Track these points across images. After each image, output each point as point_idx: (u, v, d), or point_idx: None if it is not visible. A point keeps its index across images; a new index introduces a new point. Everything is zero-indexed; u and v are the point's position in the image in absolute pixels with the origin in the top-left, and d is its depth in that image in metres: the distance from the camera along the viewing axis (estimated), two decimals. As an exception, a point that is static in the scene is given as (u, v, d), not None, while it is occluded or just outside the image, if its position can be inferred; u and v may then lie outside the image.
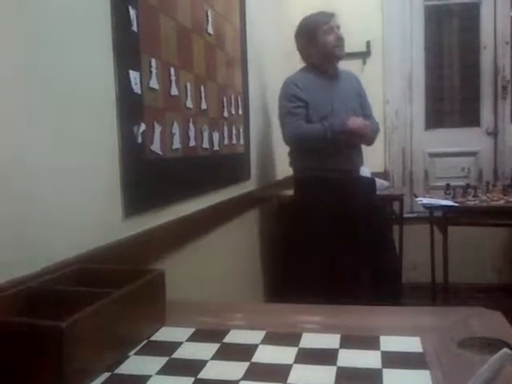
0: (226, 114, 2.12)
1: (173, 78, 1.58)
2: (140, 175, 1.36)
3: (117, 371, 0.76)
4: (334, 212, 2.58)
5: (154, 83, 1.44)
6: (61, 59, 1.05)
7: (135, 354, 0.83)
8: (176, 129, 1.59)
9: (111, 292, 0.80)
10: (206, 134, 1.86)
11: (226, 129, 2.12)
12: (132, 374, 0.75)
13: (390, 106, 4.17)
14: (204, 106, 1.85)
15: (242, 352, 0.81)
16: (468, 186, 3.25)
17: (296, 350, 0.81)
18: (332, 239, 2.58)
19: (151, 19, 1.44)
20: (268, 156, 3.09)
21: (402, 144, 4.25)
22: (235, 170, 2.32)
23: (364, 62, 4.14)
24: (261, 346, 0.83)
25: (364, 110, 2.81)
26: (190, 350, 0.83)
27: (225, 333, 0.90)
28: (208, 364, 0.78)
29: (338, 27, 2.74)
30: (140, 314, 0.87)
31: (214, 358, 0.80)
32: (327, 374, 0.72)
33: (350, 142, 2.66)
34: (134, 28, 1.33)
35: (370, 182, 2.90)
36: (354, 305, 1.04)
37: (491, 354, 0.57)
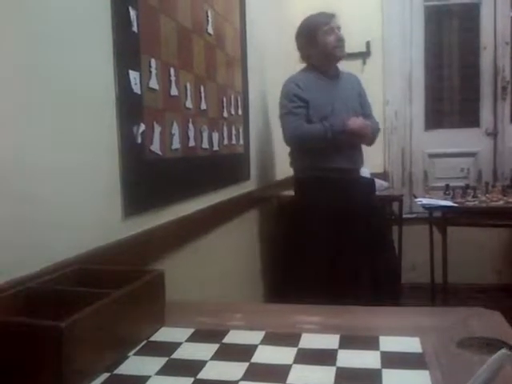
0: (225, 114, 2.12)
1: (172, 78, 1.58)
2: (140, 175, 1.37)
3: (116, 371, 0.76)
4: (333, 212, 2.58)
5: (153, 83, 1.44)
6: (61, 59, 1.05)
7: (134, 354, 0.83)
8: (175, 129, 1.59)
9: (111, 292, 0.80)
10: (205, 134, 1.86)
11: (225, 129, 2.12)
12: (131, 374, 0.75)
13: (389, 106, 4.17)
14: (204, 106, 1.85)
15: (242, 352, 0.81)
16: (467, 186, 3.25)
17: (295, 351, 0.81)
18: (332, 239, 2.58)
19: (151, 19, 1.44)
20: (268, 156, 3.09)
21: (402, 144, 4.25)
22: (235, 170, 2.32)
23: (364, 63, 4.14)
24: (260, 347, 0.83)
25: (364, 110, 2.82)
26: (189, 351, 0.83)
27: (224, 333, 0.90)
28: (207, 364, 0.78)
29: (339, 28, 2.74)
30: (139, 315, 0.87)
31: (213, 358, 0.80)
32: (326, 374, 0.72)
33: (351, 142, 2.66)
34: (134, 28, 1.33)
35: (369, 183, 2.90)
36: (354, 305, 1.04)
37: (490, 354, 0.58)
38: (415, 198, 3.52)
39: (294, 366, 0.76)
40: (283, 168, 3.28)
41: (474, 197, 3.10)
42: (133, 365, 0.79)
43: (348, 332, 0.88)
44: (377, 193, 3.03)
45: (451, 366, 0.73)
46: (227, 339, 0.87)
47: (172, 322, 0.95)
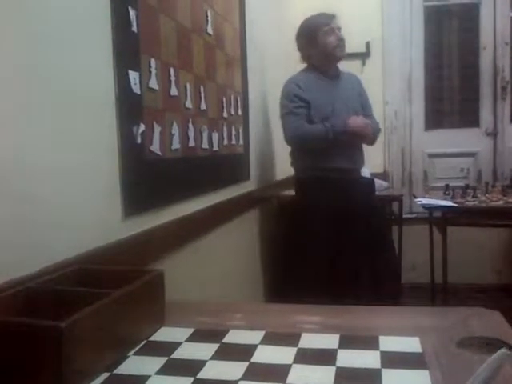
0: (225, 114, 2.12)
1: (172, 78, 1.58)
2: (139, 175, 1.37)
3: (116, 371, 0.76)
4: (334, 212, 2.58)
5: (153, 83, 1.44)
6: (61, 59, 1.05)
7: (134, 354, 0.83)
8: (175, 129, 1.59)
9: (110, 292, 0.80)
10: (205, 135, 1.86)
11: (225, 129, 2.12)
12: (131, 374, 0.75)
13: (389, 106, 4.17)
14: (203, 106, 1.85)
15: (242, 352, 0.81)
16: (467, 186, 3.26)
17: (295, 350, 0.81)
18: (332, 239, 2.58)
19: (151, 19, 1.44)
20: (267, 156, 3.09)
21: (402, 144, 4.25)
22: (235, 170, 2.32)
23: (363, 63, 4.14)
24: (260, 346, 0.83)
25: (365, 111, 2.82)
26: (189, 350, 0.83)
27: (224, 333, 0.90)
28: (207, 364, 0.78)
29: (339, 28, 2.74)
30: (139, 315, 0.87)
31: (213, 358, 0.80)
32: (326, 374, 0.72)
33: (352, 142, 2.66)
34: (134, 28, 1.34)
35: (369, 183, 2.91)
36: (354, 305, 1.04)
37: (490, 354, 0.58)
38: (415, 197, 3.52)
39: (294, 365, 0.76)
40: (283, 168, 3.28)
41: (473, 197, 3.10)
42: (133, 365, 0.79)
43: (348, 332, 0.88)
44: (377, 193, 3.03)
45: (451, 366, 0.73)
46: (227, 339, 0.87)
47: (172, 322, 0.95)
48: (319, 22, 2.74)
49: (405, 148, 4.26)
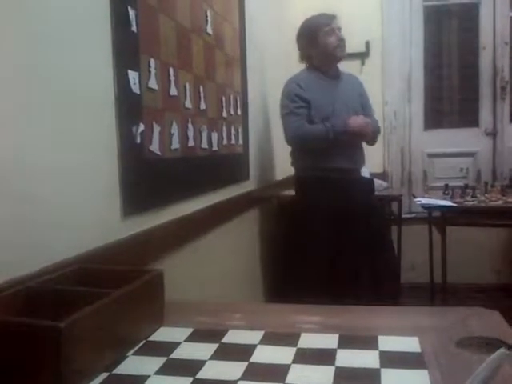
0: (224, 114, 2.12)
1: (172, 78, 1.58)
2: (139, 175, 1.37)
3: (115, 371, 0.76)
4: (334, 212, 2.58)
5: (152, 83, 1.44)
6: (61, 59, 1.05)
7: (133, 354, 0.83)
8: (175, 129, 1.60)
9: (110, 292, 0.80)
10: (204, 134, 1.86)
11: (224, 129, 2.12)
12: (130, 374, 0.75)
13: (388, 106, 4.17)
14: (203, 106, 1.85)
15: (241, 352, 0.81)
16: (466, 186, 3.26)
17: (294, 350, 0.81)
18: (332, 239, 2.58)
19: (150, 19, 1.45)
20: (267, 156, 3.09)
21: (401, 144, 4.25)
22: (234, 170, 2.32)
23: (363, 63, 4.14)
24: (259, 346, 0.83)
25: (365, 111, 2.82)
26: (188, 350, 0.83)
27: (223, 333, 0.90)
28: (206, 364, 0.78)
29: (339, 29, 2.75)
30: (139, 314, 0.87)
31: (212, 358, 0.80)
32: (325, 373, 0.73)
33: (352, 142, 2.67)
34: (133, 28, 1.34)
35: (368, 182, 2.91)
36: (353, 305, 1.04)
37: (489, 354, 0.58)
38: (414, 197, 3.53)
39: (293, 365, 0.76)
40: (283, 168, 3.28)
41: (473, 197, 3.10)
42: (132, 364, 0.79)
43: (347, 332, 0.88)
44: (376, 193, 3.04)
45: (450, 366, 0.73)
46: (226, 339, 0.87)
47: (171, 322, 0.95)
48: (320, 22, 2.75)
49: (404, 148, 4.26)
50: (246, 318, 1.00)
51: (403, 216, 3.81)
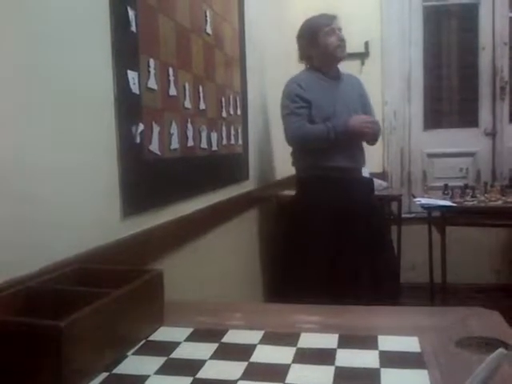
0: (224, 114, 2.12)
1: (171, 78, 1.58)
2: (138, 175, 1.37)
3: (115, 371, 0.76)
4: (333, 212, 2.58)
5: (152, 83, 1.44)
6: (61, 59, 1.05)
7: (133, 353, 0.83)
8: (174, 129, 1.60)
9: (110, 292, 0.80)
10: (204, 134, 1.86)
11: (224, 129, 2.12)
12: (130, 373, 0.75)
13: (388, 106, 4.18)
14: (202, 106, 1.85)
15: (241, 352, 0.81)
16: (466, 186, 3.26)
17: (294, 350, 0.81)
18: (332, 239, 2.58)
19: (150, 19, 1.45)
20: (267, 156, 3.09)
21: (401, 144, 4.25)
22: (234, 170, 2.32)
23: (362, 63, 4.15)
24: (259, 346, 0.83)
25: (366, 112, 2.82)
26: (188, 350, 0.83)
27: (223, 333, 0.90)
28: (206, 364, 0.78)
29: (340, 29, 2.75)
30: (138, 314, 0.87)
31: (212, 357, 0.80)
32: (325, 373, 0.73)
33: (352, 142, 2.67)
34: (133, 28, 1.34)
35: (368, 182, 2.91)
36: (353, 305, 1.04)
37: (489, 354, 0.58)
38: (414, 197, 3.53)
39: (293, 365, 0.76)
40: (282, 168, 3.29)
41: (472, 197, 3.10)
42: (132, 364, 0.79)
43: (347, 331, 0.88)
44: (376, 192, 3.04)
45: (450, 366, 0.73)
46: (226, 339, 0.87)
47: (171, 322, 0.95)
48: (320, 22, 2.75)
49: (404, 148, 4.26)
50: (246, 318, 1.00)
51: (403, 216, 3.82)
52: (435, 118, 4.28)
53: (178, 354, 0.82)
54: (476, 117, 4.20)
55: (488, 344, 0.78)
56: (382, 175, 4.10)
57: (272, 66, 3.16)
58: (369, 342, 0.83)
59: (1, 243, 0.87)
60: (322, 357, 0.78)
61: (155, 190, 1.46)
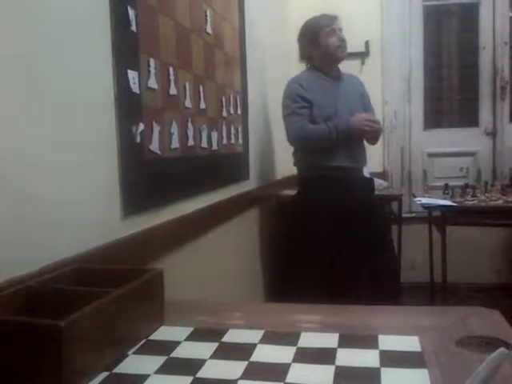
0: (224, 113, 2.12)
1: (171, 77, 1.58)
2: (139, 175, 1.37)
3: (115, 370, 0.76)
4: (334, 211, 2.58)
5: (152, 83, 1.45)
6: (61, 59, 1.05)
7: (134, 353, 0.83)
8: (175, 128, 1.60)
9: (110, 291, 0.80)
10: (204, 134, 1.86)
11: (224, 128, 2.12)
12: (130, 373, 0.75)
13: (388, 106, 4.17)
14: (203, 105, 1.85)
15: (241, 351, 0.81)
16: (466, 185, 3.26)
17: (294, 350, 0.81)
18: (332, 239, 2.58)
19: (150, 19, 1.45)
20: (267, 156, 3.09)
21: (401, 144, 4.25)
22: (234, 169, 2.32)
23: (363, 62, 4.14)
24: (259, 346, 0.83)
25: (367, 112, 2.82)
26: (188, 350, 0.83)
27: (223, 332, 0.90)
28: (206, 363, 0.78)
29: (341, 29, 2.75)
30: (139, 314, 0.87)
31: (212, 357, 0.80)
32: (325, 373, 0.73)
33: (354, 140, 2.67)
34: (133, 28, 1.34)
35: (368, 182, 2.91)
36: (354, 304, 1.04)
37: (489, 353, 0.58)
38: (414, 197, 3.53)
39: (293, 364, 0.76)
40: (283, 167, 3.29)
41: (473, 196, 3.10)
42: (132, 364, 0.79)
43: (347, 331, 0.88)
44: (376, 192, 3.04)
45: (450, 365, 0.73)
46: (226, 338, 0.87)
47: (171, 321, 0.95)
48: (321, 23, 2.75)
49: (404, 147, 4.26)
50: (246, 318, 1.00)
51: (403, 215, 3.81)
52: (435, 117, 4.28)
53: (178, 353, 0.82)
54: (476, 116, 4.19)
55: (488, 343, 0.78)
56: (383, 175, 4.09)
57: (272, 65, 3.16)
58: (369, 342, 0.83)
59: (1, 243, 0.87)
60: (323, 356, 0.78)
61: (155, 189, 1.46)
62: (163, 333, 0.91)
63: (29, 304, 0.82)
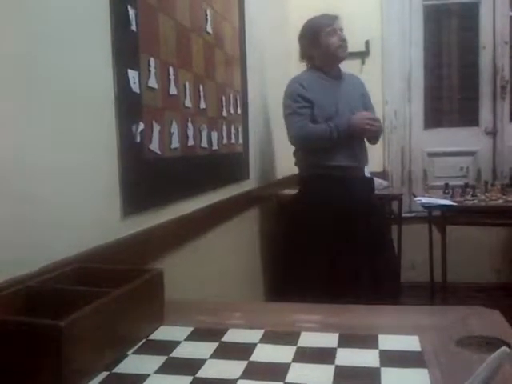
0: (224, 113, 2.12)
1: (171, 77, 1.58)
2: (139, 174, 1.37)
3: (115, 370, 0.76)
4: (334, 211, 2.58)
5: (152, 82, 1.44)
6: (61, 59, 1.05)
7: (133, 353, 0.83)
8: (175, 128, 1.60)
9: (110, 291, 0.80)
10: (204, 134, 1.86)
11: (224, 128, 2.12)
12: (130, 373, 0.75)
13: (388, 105, 4.17)
14: (203, 105, 1.85)
15: (241, 351, 0.81)
16: (467, 185, 3.26)
17: (294, 349, 0.81)
18: (332, 238, 2.58)
19: (150, 18, 1.45)
20: (267, 155, 3.09)
21: (401, 143, 4.25)
22: (234, 169, 2.32)
23: (363, 62, 4.14)
24: (259, 345, 0.83)
25: (367, 111, 2.81)
26: (188, 349, 0.83)
27: (223, 332, 0.90)
28: (206, 363, 0.78)
29: (341, 29, 2.75)
30: (139, 313, 0.87)
31: (212, 356, 0.80)
32: (325, 372, 0.73)
33: (355, 138, 2.67)
34: (133, 27, 1.34)
35: (368, 181, 2.91)
36: (354, 304, 1.04)
37: (489, 353, 0.58)
38: (414, 196, 3.53)
39: (293, 364, 0.76)
40: (283, 167, 3.29)
41: (473, 196, 3.10)
42: (132, 363, 0.79)
43: (347, 331, 0.88)
44: (376, 192, 3.04)
45: (450, 365, 0.73)
46: (226, 338, 0.88)
47: (171, 321, 0.95)
48: (322, 22, 2.75)
49: (404, 147, 4.26)
50: (246, 317, 1.00)
51: (403, 215, 3.81)
52: (436, 117, 4.28)
53: (178, 353, 0.82)
54: (476, 116, 4.19)
55: (488, 343, 0.78)
56: (383, 174, 4.09)
57: (272, 65, 3.16)
58: (369, 341, 0.83)
59: (1, 243, 0.87)
60: (322, 356, 0.78)
61: (155, 189, 1.46)
62: (163, 333, 0.91)
63: (29, 304, 0.82)
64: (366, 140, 2.82)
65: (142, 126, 1.37)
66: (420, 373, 0.71)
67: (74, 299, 0.79)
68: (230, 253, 2.24)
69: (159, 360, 0.79)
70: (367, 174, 3.22)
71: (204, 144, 1.86)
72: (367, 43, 4.13)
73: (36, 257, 0.95)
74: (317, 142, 2.62)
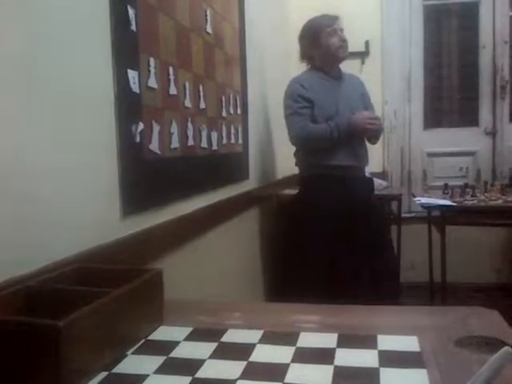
0: (224, 113, 2.12)
1: (171, 77, 1.58)
2: (138, 174, 1.37)
3: (114, 370, 0.76)
4: (334, 211, 2.58)
5: (152, 82, 1.45)
6: (61, 59, 1.05)
7: (133, 353, 0.83)
8: (174, 128, 1.60)
9: (110, 291, 0.80)
10: (204, 134, 1.86)
11: (224, 128, 2.12)
12: (129, 373, 0.75)
13: (388, 105, 4.17)
14: (203, 105, 1.85)
15: (240, 351, 0.81)
16: (466, 185, 3.26)
17: (293, 349, 0.81)
18: (332, 238, 2.58)
19: (150, 18, 1.45)
20: (267, 155, 3.09)
21: (401, 144, 4.25)
22: (234, 169, 2.32)
23: (363, 62, 4.14)
24: (258, 346, 0.84)
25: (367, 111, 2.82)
26: (187, 350, 0.83)
27: (222, 332, 0.90)
28: (205, 363, 0.78)
29: (342, 30, 2.76)
30: (138, 313, 0.87)
31: (211, 357, 0.80)
32: (324, 373, 0.73)
33: (356, 138, 2.67)
34: (133, 27, 1.34)
35: (367, 181, 2.91)
36: (354, 304, 1.04)
37: (489, 353, 0.58)
38: (414, 197, 3.53)
39: (292, 364, 0.76)
40: (283, 167, 3.29)
41: (472, 196, 3.10)
42: (131, 364, 0.79)
43: (346, 331, 0.88)
44: (376, 192, 3.04)
45: (449, 365, 0.73)
46: (225, 338, 0.88)
47: (170, 321, 0.95)
48: (322, 23, 2.75)
49: (404, 147, 4.26)
50: (245, 318, 1.00)
51: (403, 215, 3.81)
52: (435, 117, 4.28)
53: (177, 353, 0.82)
54: (476, 116, 4.19)
55: (488, 343, 0.78)
56: (382, 175, 4.09)
57: (272, 65, 3.16)
58: (368, 342, 0.83)
59: (1, 243, 0.87)
60: (322, 356, 0.78)
61: (155, 189, 1.46)
62: (162, 333, 0.91)
63: (28, 304, 0.82)
64: (366, 140, 2.82)
65: (141, 126, 1.37)
66: (419, 373, 0.71)
67: (73, 299, 0.79)
68: (230, 253, 2.24)
69: (158, 360, 0.79)
70: (367, 174, 3.22)
71: (204, 144, 1.86)
72: (367, 43, 4.13)
73: (36, 257, 0.95)
74: (318, 142, 2.63)
